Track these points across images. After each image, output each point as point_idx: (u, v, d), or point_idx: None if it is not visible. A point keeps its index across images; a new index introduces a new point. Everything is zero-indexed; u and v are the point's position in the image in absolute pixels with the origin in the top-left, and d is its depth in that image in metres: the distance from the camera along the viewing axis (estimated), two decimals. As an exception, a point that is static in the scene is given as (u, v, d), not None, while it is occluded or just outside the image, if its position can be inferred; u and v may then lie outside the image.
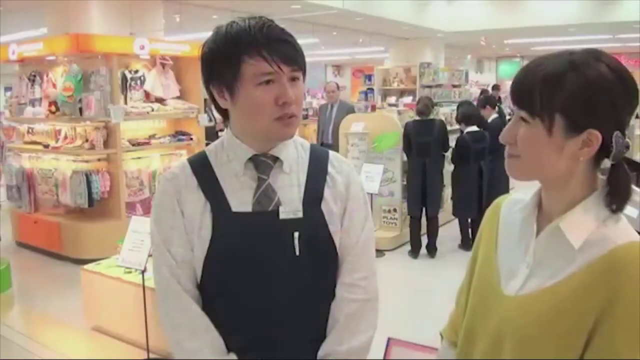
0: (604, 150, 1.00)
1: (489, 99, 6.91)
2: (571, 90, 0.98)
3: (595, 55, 1.01)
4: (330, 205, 1.33)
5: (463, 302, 1.24)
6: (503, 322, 1.08)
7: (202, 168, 1.33)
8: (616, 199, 1.01)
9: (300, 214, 1.28)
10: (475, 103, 6.85)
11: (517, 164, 1.07)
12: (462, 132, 6.05)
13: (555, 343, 1.00)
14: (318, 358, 1.32)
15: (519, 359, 1.03)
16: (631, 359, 0.95)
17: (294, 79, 1.25)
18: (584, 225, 1.02)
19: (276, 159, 1.32)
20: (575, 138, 1.00)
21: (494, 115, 6.57)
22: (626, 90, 1.00)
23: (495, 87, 13.11)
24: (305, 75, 1.30)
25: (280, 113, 1.24)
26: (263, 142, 1.31)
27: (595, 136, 0.99)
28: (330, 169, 1.37)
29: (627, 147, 1.00)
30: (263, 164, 1.31)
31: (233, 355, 1.28)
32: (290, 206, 1.29)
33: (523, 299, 1.06)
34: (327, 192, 1.33)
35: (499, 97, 11.57)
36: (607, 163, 1.03)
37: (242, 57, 1.21)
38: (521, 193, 1.20)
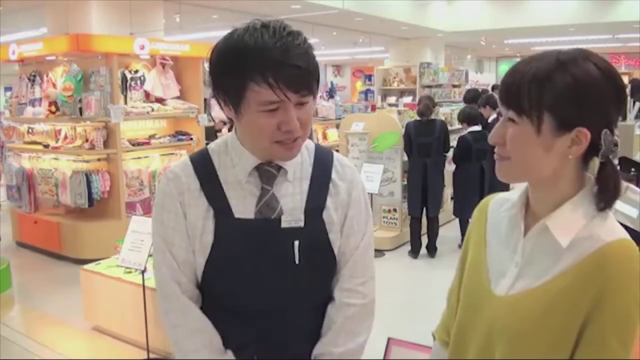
0: (593, 148, 1.01)
1: (489, 99, 6.91)
2: (560, 89, 0.98)
3: (583, 54, 1.02)
4: (331, 214, 1.32)
5: (454, 301, 1.25)
6: (494, 322, 1.08)
7: (204, 170, 1.31)
8: (604, 197, 1.02)
9: (301, 224, 1.28)
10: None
11: (506, 166, 1.07)
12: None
13: (546, 342, 1.00)
14: (313, 356, 1.33)
15: (511, 359, 1.04)
16: (621, 355, 0.95)
17: (302, 103, 1.20)
18: (572, 223, 1.02)
19: (280, 167, 1.31)
20: (564, 136, 1.00)
21: (493, 116, 6.57)
22: (614, 89, 1.00)
23: (496, 88, 13.12)
24: (317, 92, 1.25)
25: (282, 138, 1.21)
26: (266, 156, 1.29)
27: (584, 134, 0.99)
28: (334, 175, 1.35)
29: (616, 144, 1.00)
30: (267, 173, 1.30)
31: (230, 355, 1.29)
32: (292, 215, 1.28)
33: (513, 299, 1.06)
34: (329, 201, 1.33)
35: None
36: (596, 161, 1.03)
37: (248, 82, 1.15)
38: (509, 192, 1.20)
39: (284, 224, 1.27)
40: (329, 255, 1.32)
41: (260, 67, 1.13)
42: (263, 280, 1.27)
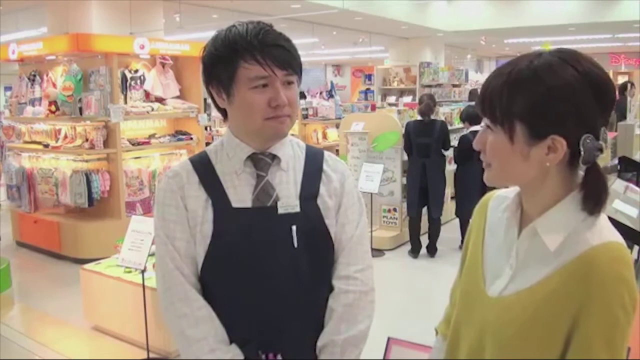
0: (577, 153, 0.98)
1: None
2: (530, 98, 0.96)
3: (563, 57, 0.98)
4: (325, 200, 1.38)
5: (455, 299, 1.25)
6: (485, 323, 1.08)
7: (203, 166, 1.37)
8: (588, 203, 1.00)
9: (297, 209, 1.34)
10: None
11: (490, 172, 1.07)
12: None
13: (533, 345, 1.00)
14: (317, 348, 1.34)
15: (499, 359, 1.04)
16: (608, 358, 0.94)
17: (288, 82, 1.31)
18: (560, 226, 1.01)
19: (274, 156, 1.37)
20: (539, 144, 0.98)
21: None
22: (595, 93, 0.97)
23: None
24: (300, 79, 1.35)
25: (272, 114, 1.30)
26: (260, 140, 1.35)
27: (559, 142, 0.97)
28: (325, 167, 1.42)
29: (600, 150, 0.98)
30: (261, 161, 1.36)
31: (235, 348, 1.31)
32: (288, 201, 1.34)
33: (503, 301, 1.06)
34: (322, 189, 1.39)
35: None
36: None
37: (238, 61, 1.27)
38: (509, 189, 1.19)
39: (280, 210, 1.33)
40: (326, 239, 1.37)
41: (249, 48, 1.26)
42: (263, 266, 1.30)
